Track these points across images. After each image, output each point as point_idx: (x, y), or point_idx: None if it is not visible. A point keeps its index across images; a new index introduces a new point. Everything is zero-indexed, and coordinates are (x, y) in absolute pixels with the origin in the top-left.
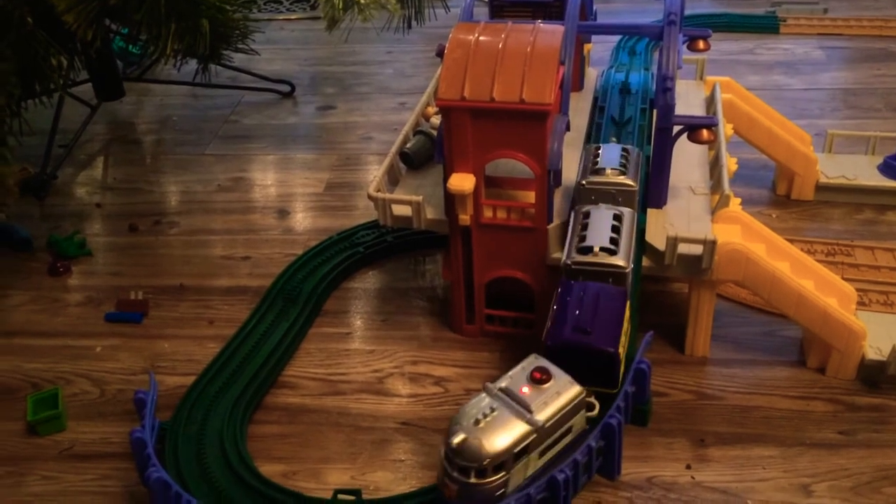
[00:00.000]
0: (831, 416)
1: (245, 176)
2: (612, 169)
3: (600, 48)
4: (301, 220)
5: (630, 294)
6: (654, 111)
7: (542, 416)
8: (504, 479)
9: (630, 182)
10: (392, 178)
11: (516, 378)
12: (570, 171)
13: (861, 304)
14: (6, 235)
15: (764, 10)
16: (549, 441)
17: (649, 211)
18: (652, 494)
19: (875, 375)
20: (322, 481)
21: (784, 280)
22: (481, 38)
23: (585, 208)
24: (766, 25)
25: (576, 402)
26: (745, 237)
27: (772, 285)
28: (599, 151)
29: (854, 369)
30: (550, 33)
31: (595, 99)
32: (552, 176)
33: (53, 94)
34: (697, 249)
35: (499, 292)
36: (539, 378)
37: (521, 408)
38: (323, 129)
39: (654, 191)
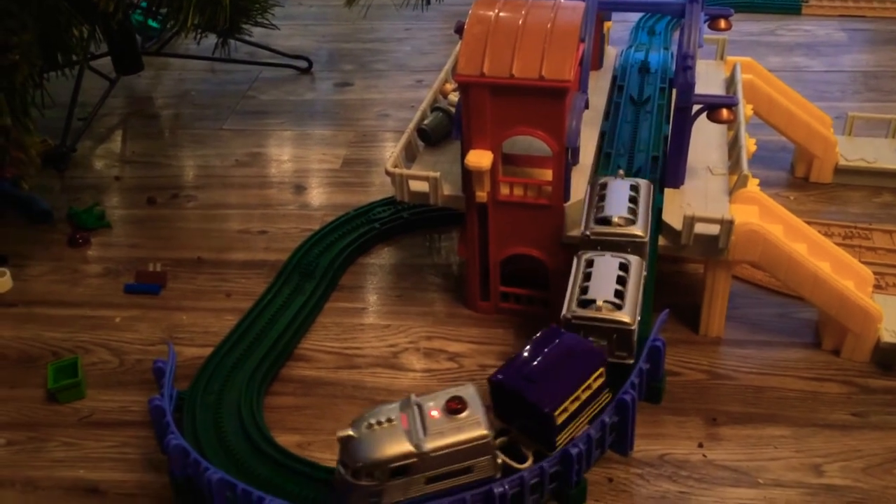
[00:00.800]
0: (845, 398)
1: (262, 151)
2: (619, 217)
3: (619, 27)
4: (317, 195)
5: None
6: (674, 90)
7: (430, 444)
8: (376, 488)
9: (639, 233)
10: (409, 155)
11: (438, 399)
12: (588, 150)
13: (878, 287)
14: (26, 207)
15: None
16: (439, 471)
17: (666, 191)
18: (663, 471)
19: (890, 358)
20: (337, 452)
21: (801, 261)
22: (501, 13)
23: (589, 255)
24: (788, 6)
25: (475, 443)
26: (763, 218)
27: (788, 266)
28: (605, 193)
29: (869, 352)
30: (571, 10)
31: (614, 78)
32: (570, 154)
33: (75, 66)
34: (714, 229)
35: (514, 270)
36: (453, 408)
37: (420, 429)
38: (340, 105)
39: (671, 170)
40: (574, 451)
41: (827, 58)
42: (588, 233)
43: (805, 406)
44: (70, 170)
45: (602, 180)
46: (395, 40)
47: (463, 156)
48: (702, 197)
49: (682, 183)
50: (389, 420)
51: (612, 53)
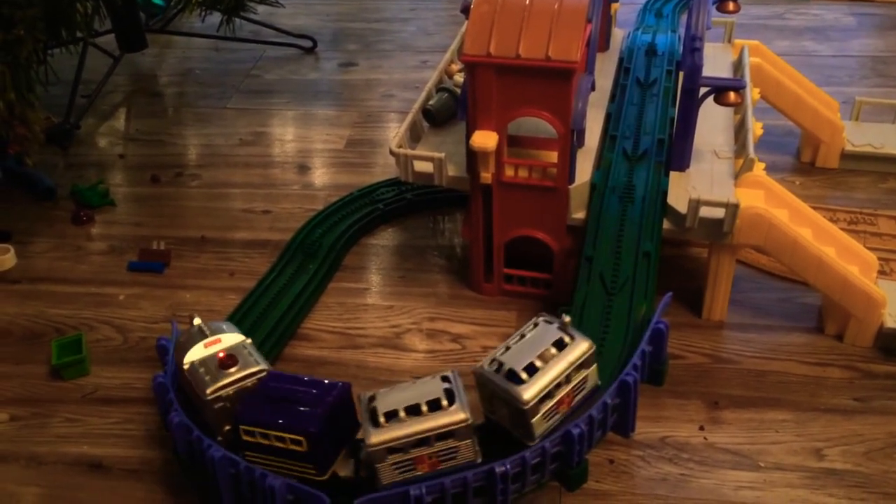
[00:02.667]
0: (847, 383)
1: (266, 131)
2: None
3: (627, 10)
4: (321, 175)
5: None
6: (680, 73)
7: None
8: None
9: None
10: (414, 135)
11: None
12: (594, 132)
13: (882, 272)
14: (31, 184)
15: None
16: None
17: (672, 174)
18: (664, 454)
19: (893, 344)
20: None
21: (805, 246)
22: None
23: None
24: None
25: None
26: (768, 202)
27: (793, 251)
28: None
29: (872, 337)
30: None
31: (620, 60)
32: (575, 136)
33: (79, 43)
34: (719, 213)
35: (518, 252)
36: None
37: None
38: (344, 85)
39: (677, 153)
40: (576, 431)
41: (835, 42)
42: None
43: (807, 390)
44: (74, 147)
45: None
46: (401, 20)
47: (468, 137)
48: (707, 180)
49: (688, 166)
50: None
51: (618, 35)
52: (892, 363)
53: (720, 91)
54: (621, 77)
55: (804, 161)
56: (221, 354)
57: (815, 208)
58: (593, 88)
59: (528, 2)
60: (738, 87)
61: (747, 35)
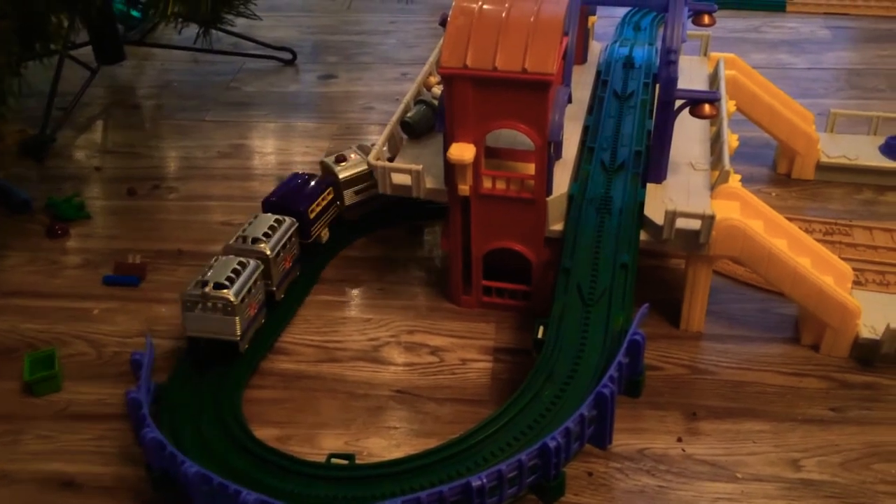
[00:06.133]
0: (824, 393)
1: (245, 143)
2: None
3: (605, 23)
4: None
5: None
6: (658, 86)
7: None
8: None
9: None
10: (392, 148)
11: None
12: (571, 144)
13: (857, 283)
14: (5, 197)
15: None
16: None
17: (649, 186)
18: (643, 465)
19: (868, 354)
20: (316, 446)
21: (780, 257)
22: (485, 6)
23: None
24: (773, 3)
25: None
26: (744, 213)
27: (768, 262)
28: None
29: (848, 347)
30: (555, 3)
31: (598, 72)
32: (552, 148)
33: (53, 55)
34: (695, 224)
35: (496, 264)
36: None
37: None
38: (324, 97)
39: (654, 165)
40: (552, 444)
41: (811, 55)
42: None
43: (784, 401)
44: (49, 160)
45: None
46: (381, 33)
47: (445, 149)
48: (684, 192)
49: (665, 178)
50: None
51: (596, 48)
52: (868, 373)
53: (695, 103)
54: (599, 89)
55: (780, 172)
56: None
57: (790, 219)
58: (570, 101)
59: (504, 15)
60: (713, 100)
61: (724, 48)
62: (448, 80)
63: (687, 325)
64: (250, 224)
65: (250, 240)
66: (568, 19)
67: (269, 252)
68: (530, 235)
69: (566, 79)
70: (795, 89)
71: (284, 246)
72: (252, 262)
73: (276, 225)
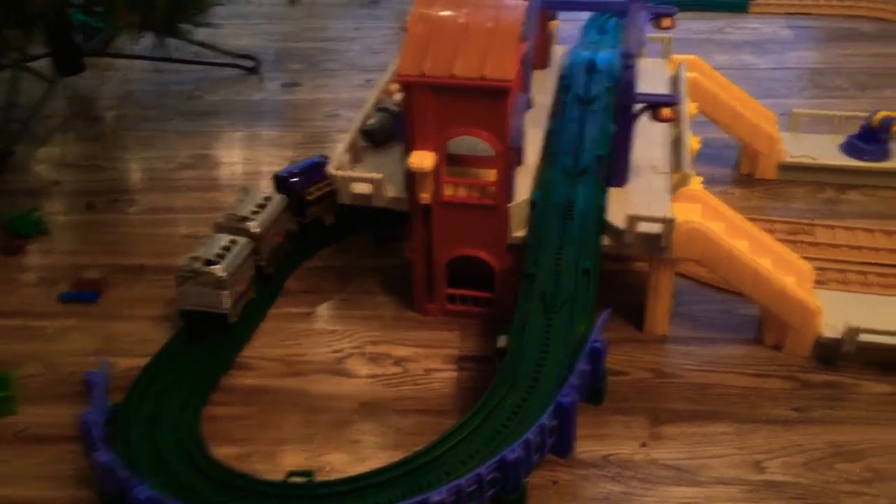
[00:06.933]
0: (786, 393)
1: (209, 153)
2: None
3: (570, 26)
4: None
5: None
6: None
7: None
8: None
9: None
10: (354, 156)
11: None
12: (533, 149)
13: (819, 282)
14: None
15: None
16: None
17: (611, 190)
18: (607, 472)
19: (830, 353)
20: (276, 463)
21: (741, 258)
22: (443, 12)
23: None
24: (736, 4)
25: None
26: (705, 216)
27: (729, 263)
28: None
29: (810, 347)
30: (513, 9)
31: (561, 77)
32: (514, 154)
33: (6, 68)
34: (656, 228)
35: (460, 271)
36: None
37: None
38: (289, 105)
39: (616, 169)
40: (511, 456)
41: (773, 55)
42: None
43: (747, 402)
44: (7, 174)
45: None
46: (346, 39)
47: (406, 157)
48: (645, 196)
49: (627, 181)
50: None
51: (559, 52)
52: (830, 372)
53: (654, 107)
54: (562, 94)
55: (743, 173)
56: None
57: (753, 220)
58: (531, 106)
59: (463, 21)
60: (672, 103)
61: (688, 49)
62: (407, 87)
63: (651, 329)
64: (241, 202)
65: (239, 218)
66: (527, 25)
67: (258, 230)
68: (493, 242)
69: (526, 84)
70: (758, 89)
71: (274, 223)
72: (242, 240)
73: (265, 203)
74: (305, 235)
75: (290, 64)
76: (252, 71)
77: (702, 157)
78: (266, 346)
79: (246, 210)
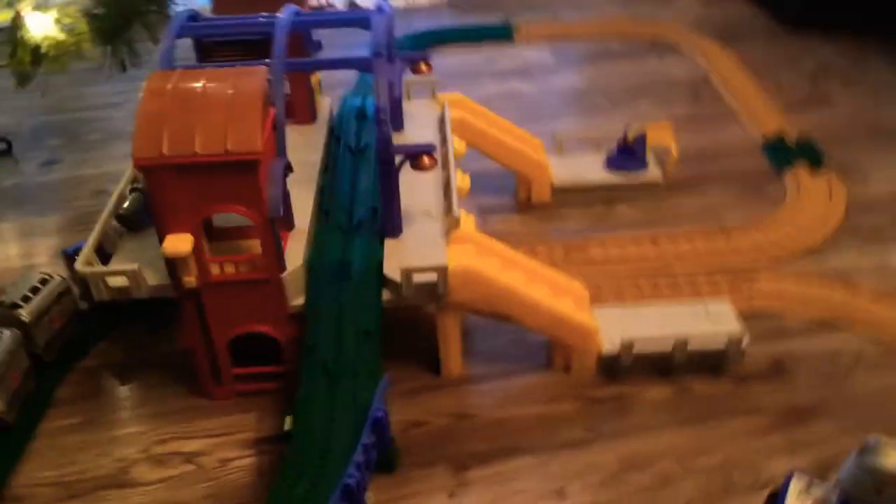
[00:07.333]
0: (578, 415)
1: None
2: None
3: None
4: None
5: None
6: None
7: None
8: None
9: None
10: (109, 246)
11: None
12: (305, 210)
13: (595, 299)
14: None
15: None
16: None
17: (387, 242)
18: None
19: (612, 368)
20: None
21: (516, 292)
22: (178, 86)
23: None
24: (501, 34)
25: None
26: (479, 255)
27: (507, 299)
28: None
29: (594, 365)
30: (251, 75)
31: (331, 128)
32: (275, 224)
33: None
34: (432, 277)
35: (247, 348)
36: None
37: None
38: (46, 187)
39: (388, 221)
40: None
41: (540, 80)
42: None
43: (544, 430)
44: None
45: None
46: (109, 106)
47: (161, 242)
48: (420, 243)
49: (401, 231)
50: None
51: (326, 104)
52: (615, 385)
53: (414, 157)
54: (333, 146)
55: (522, 199)
56: None
57: (533, 245)
58: (291, 169)
59: (200, 93)
60: (427, 152)
61: (465, 82)
62: (146, 171)
63: (448, 372)
64: (13, 286)
65: (9, 305)
66: (272, 89)
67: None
68: (273, 315)
69: (280, 150)
70: (527, 114)
71: (49, 308)
72: (6, 332)
73: (39, 286)
74: (102, 313)
75: (49, 139)
76: (5, 154)
77: (484, 187)
78: (37, 470)
79: (17, 295)
